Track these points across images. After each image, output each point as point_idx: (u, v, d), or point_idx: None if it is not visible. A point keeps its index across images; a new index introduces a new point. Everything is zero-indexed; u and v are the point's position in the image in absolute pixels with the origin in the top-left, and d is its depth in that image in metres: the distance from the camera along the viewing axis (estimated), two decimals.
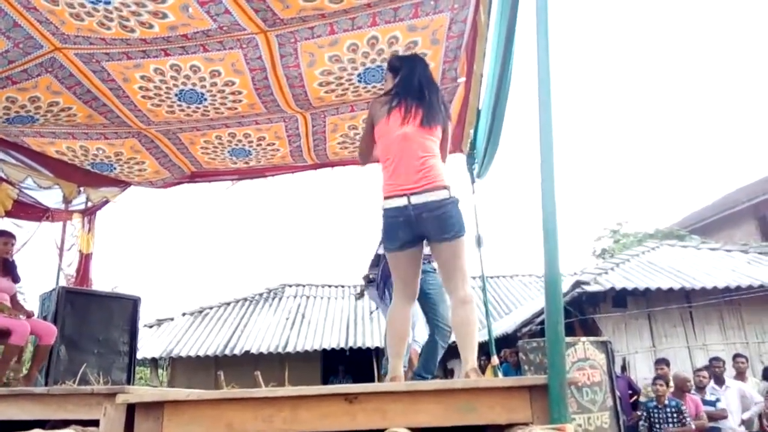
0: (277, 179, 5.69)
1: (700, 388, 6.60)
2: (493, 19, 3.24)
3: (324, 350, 12.85)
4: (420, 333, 4.05)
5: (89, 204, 5.89)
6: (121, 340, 5.41)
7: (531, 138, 2.01)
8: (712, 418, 6.29)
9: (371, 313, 12.74)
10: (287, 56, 3.62)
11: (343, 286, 16.97)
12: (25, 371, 4.58)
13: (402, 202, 2.58)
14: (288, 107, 4.29)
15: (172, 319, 15.00)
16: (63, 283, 5.59)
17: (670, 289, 8.80)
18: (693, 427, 6.01)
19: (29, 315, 4.28)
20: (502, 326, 11.55)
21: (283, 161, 5.37)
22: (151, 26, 3.20)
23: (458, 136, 4.84)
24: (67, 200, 5.58)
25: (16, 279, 4.30)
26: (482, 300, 5.98)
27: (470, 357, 2.47)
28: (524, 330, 10.00)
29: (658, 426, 6.18)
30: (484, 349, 6.18)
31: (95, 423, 2.08)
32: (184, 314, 15.24)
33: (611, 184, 51.20)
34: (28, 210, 5.37)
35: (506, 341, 9.96)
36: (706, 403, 6.40)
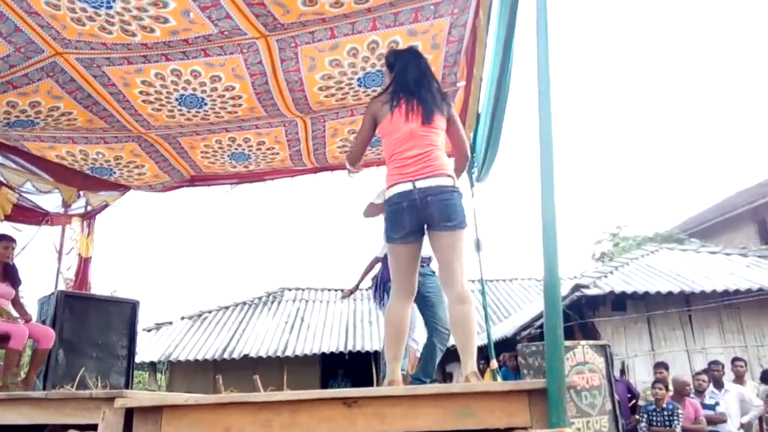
0: (276, 183, 5.70)
1: (700, 392, 6.59)
2: (493, 23, 3.25)
3: (323, 354, 12.83)
4: (420, 335, 4.04)
5: (89, 208, 5.89)
6: (120, 344, 5.40)
7: (530, 141, 2.02)
8: (711, 421, 6.29)
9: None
10: (288, 61, 3.63)
11: (342, 290, 16.94)
12: (23, 375, 4.57)
13: (407, 187, 2.58)
14: (288, 111, 4.30)
15: (170, 323, 14.96)
16: (62, 287, 5.58)
17: (670, 293, 8.80)
18: (678, 430, 6.05)
19: (27, 320, 4.27)
20: (502, 330, 11.54)
21: (282, 165, 5.38)
22: (152, 31, 3.21)
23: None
24: (66, 204, 5.58)
25: (16, 283, 4.29)
26: (481, 303, 5.98)
27: (470, 360, 2.45)
28: (523, 334, 9.99)
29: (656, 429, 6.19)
30: (483, 353, 6.17)
31: (94, 427, 2.07)
32: (182, 318, 15.21)
33: (611, 187, 51.27)
34: (27, 214, 5.37)
35: (505, 345, 9.96)
36: (705, 406, 6.40)
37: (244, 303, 16.12)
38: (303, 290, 17.03)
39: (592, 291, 8.78)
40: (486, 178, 4.87)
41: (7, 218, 5.11)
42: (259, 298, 16.44)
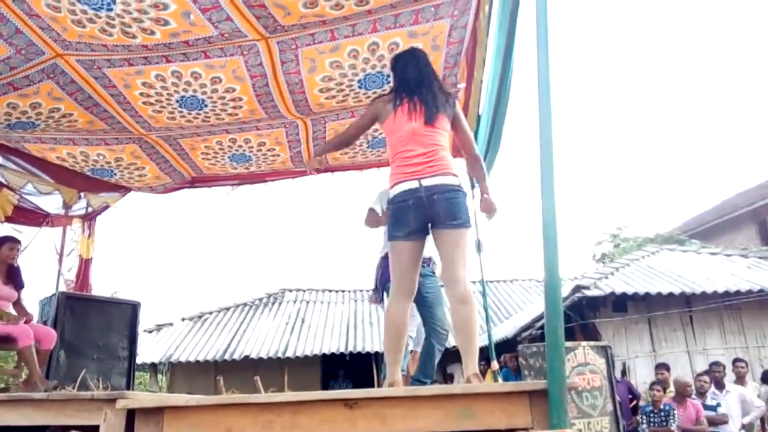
0: (277, 184, 5.71)
1: (701, 393, 6.59)
2: (493, 25, 3.26)
3: (324, 355, 12.83)
4: (421, 337, 4.04)
5: (89, 209, 5.90)
6: (121, 345, 5.41)
7: (531, 142, 2.02)
8: (712, 422, 6.29)
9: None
10: (288, 62, 3.64)
11: (343, 291, 16.95)
12: (24, 376, 4.57)
13: (413, 185, 2.58)
14: (288, 113, 4.31)
15: (171, 324, 14.97)
16: (63, 288, 5.59)
17: (670, 294, 8.80)
18: (674, 428, 6.07)
19: (28, 320, 4.27)
20: (502, 331, 11.54)
21: (283, 166, 5.39)
22: (152, 33, 3.21)
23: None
24: (67, 206, 5.59)
25: (19, 285, 4.29)
26: (482, 304, 5.97)
27: (471, 362, 2.45)
28: (524, 335, 9.99)
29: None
30: (484, 354, 6.16)
31: (95, 428, 2.08)
32: (183, 319, 15.21)
33: (611, 188, 51.26)
34: (28, 215, 5.38)
35: (506, 346, 9.96)
36: (707, 407, 6.40)
37: (245, 304, 16.12)
38: (304, 291, 17.03)
39: (592, 292, 8.78)
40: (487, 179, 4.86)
41: (8, 219, 5.11)
42: (260, 299, 16.44)
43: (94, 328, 5.25)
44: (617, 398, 5.79)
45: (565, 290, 9.17)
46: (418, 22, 3.35)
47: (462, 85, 4.09)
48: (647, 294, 8.79)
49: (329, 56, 3.61)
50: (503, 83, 3.37)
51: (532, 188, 1.94)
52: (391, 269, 2.71)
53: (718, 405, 6.43)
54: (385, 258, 3.84)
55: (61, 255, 5.78)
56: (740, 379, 7.07)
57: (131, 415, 2.00)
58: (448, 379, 12.13)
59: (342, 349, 12.77)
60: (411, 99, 2.71)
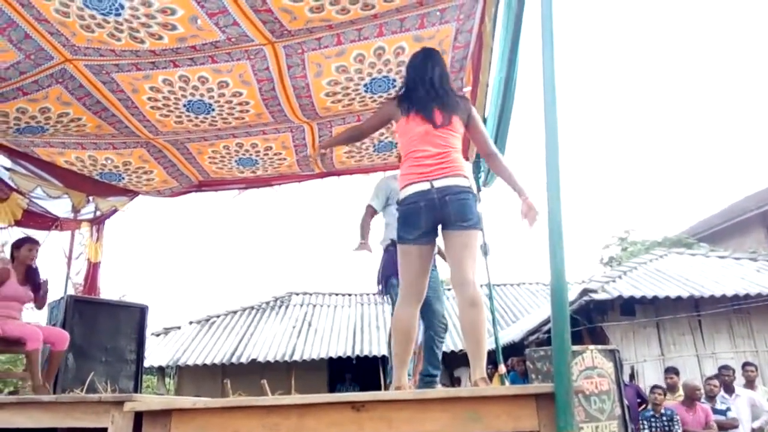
0: (283, 188, 5.73)
1: (711, 397, 6.54)
2: (499, 29, 3.26)
3: (330, 358, 12.83)
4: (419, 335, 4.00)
5: (98, 213, 5.94)
6: (129, 349, 5.44)
7: (537, 145, 2.02)
8: (722, 427, 6.23)
9: None
10: (294, 67, 3.65)
11: (349, 295, 16.96)
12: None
13: (424, 186, 2.56)
14: (295, 117, 4.32)
15: (179, 328, 15.03)
16: (71, 291, 5.62)
17: (679, 298, 8.75)
18: None
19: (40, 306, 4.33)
20: (510, 334, 11.51)
21: (289, 170, 5.40)
22: (160, 38, 3.24)
23: (464, 145, 4.86)
24: (76, 209, 5.63)
25: (37, 287, 4.32)
26: (489, 308, 5.96)
27: (479, 365, 2.43)
28: (531, 338, 9.96)
29: None
30: (491, 358, 6.13)
31: (103, 431, 2.09)
32: (191, 323, 15.27)
33: (619, 191, 51.03)
34: (37, 219, 5.42)
35: (513, 349, 9.92)
36: (716, 412, 6.35)
37: (252, 307, 16.16)
38: (310, 295, 17.05)
39: (600, 296, 8.74)
40: (493, 182, 4.87)
41: (18, 223, 5.15)
42: (267, 303, 16.48)
43: (102, 332, 5.29)
44: (625, 402, 5.74)
45: (572, 294, 9.13)
46: (424, 26, 3.36)
47: (468, 89, 4.09)
48: (655, 297, 8.74)
49: (335, 61, 3.62)
50: (508, 86, 3.37)
51: (539, 191, 1.93)
52: (401, 274, 2.67)
53: (728, 409, 6.38)
54: (386, 251, 3.81)
55: (69, 258, 5.82)
56: (750, 383, 7.01)
57: (139, 417, 2.01)
58: (455, 382, 12.09)
59: (349, 353, 12.77)
60: (424, 101, 2.69)
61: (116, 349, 5.34)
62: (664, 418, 6.11)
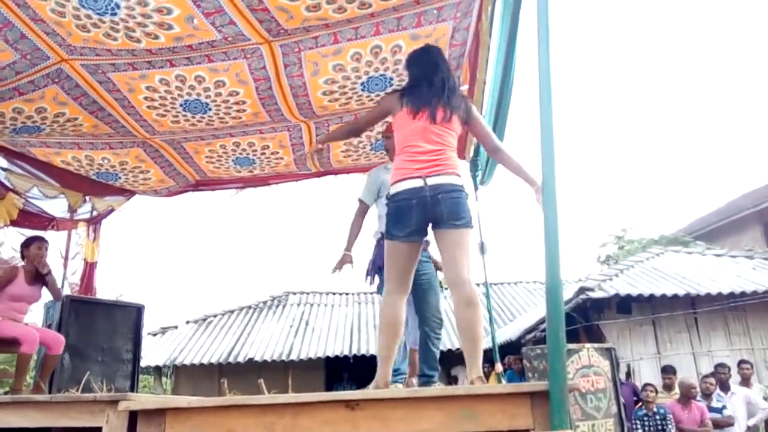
0: (280, 187, 5.72)
1: (707, 395, 6.55)
2: (496, 27, 3.26)
3: (328, 357, 12.84)
4: (417, 334, 3.96)
5: (94, 213, 5.93)
6: (125, 348, 5.43)
7: (534, 143, 2.02)
8: (718, 425, 6.25)
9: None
10: (291, 66, 3.65)
11: (347, 294, 16.98)
12: (29, 380, 4.59)
13: (417, 183, 2.54)
14: (292, 116, 4.32)
15: (176, 327, 15.03)
16: (67, 291, 5.61)
17: (675, 296, 8.77)
18: None
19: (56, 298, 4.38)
20: (507, 333, 11.53)
21: (286, 169, 5.40)
22: (156, 37, 3.23)
23: (462, 143, 4.86)
24: (72, 209, 5.62)
25: (48, 282, 4.32)
26: (486, 307, 5.97)
27: (475, 365, 2.42)
28: (528, 337, 9.99)
29: None
30: (488, 356, 6.16)
31: (98, 430, 2.09)
32: (188, 322, 15.27)
33: (616, 190, 51.12)
34: (33, 219, 5.41)
35: (510, 348, 9.94)
36: (712, 410, 6.36)
37: (249, 307, 16.17)
38: (308, 294, 17.06)
39: (597, 294, 8.76)
40: (490, 180, 4.87)
41: (14, 223, 5.14)
42: (264, 302, 16.48)
43: (98, 332, 5.28)
44: (621, 400, 5.77)
45: (569, 292, 9.15)
46: (421, 24, 3.36)
47: (465, 87, 4.09)
48: (652, 296, 8.77)
49: (332, 59, 3.62)
50: (505, 84, 3.37)
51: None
52: (387, 269, 2.65)
53: (724, 407, 6.40)
54: (378, 243, 3.70)
55: (66, 258, 5.80)
56: (745, 381, 7.03)
57: (133, 417, 2.01)
58: (452, 381, 12.12)
59: (346, 352, 12.78)
60: (424, 96, 2.68)
61: (113, 348, 5.33)
62: (657, 417, 6.11)
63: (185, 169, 5.29)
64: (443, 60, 2.88)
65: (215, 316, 15.58)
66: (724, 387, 6.72)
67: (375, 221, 3.83)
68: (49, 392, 4.47)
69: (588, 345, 5.70)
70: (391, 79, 3.87)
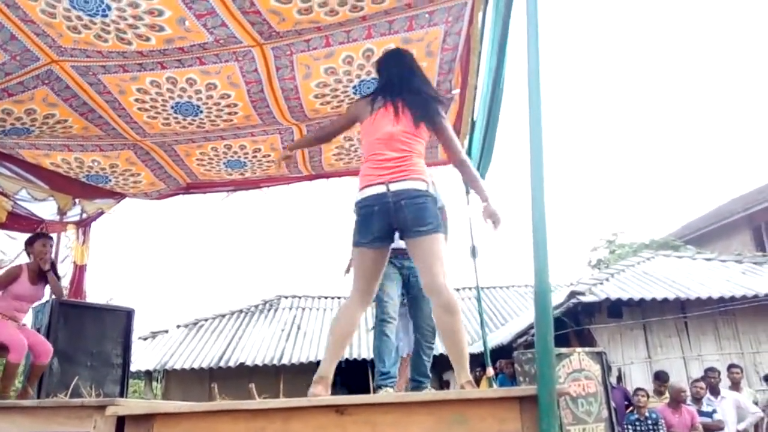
0: (272, 190, 5.71)
1: (697, 399, 6.59)
2: (487, 32, 3.28)
3: (319, 362, 12.74)
4: (412, 340, 3.97)
5: (84, 215, 5.88)
6: (115, 353, 5.38)
7: (524, 147, 2.02)
8: (708, 429, 6.28)
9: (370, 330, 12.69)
10: (283, 68, 3.65)
11: (339, 298, 16.93)
12: (18, 385, 4.53)
13: (380, 189, 2.52)
14: (284, 119, 4.31)
15: (166, 332, 14.93)
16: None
17: (665, 300, 8.82)
18: None
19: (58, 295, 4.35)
20: (498, 337, 11.53)
21: (278, 173, 5.39)
22: (147, 39, 3.22)
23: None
24: (61, 212, 5.57)
25: (54, 276, 4.30)
26: (477, 311, 5.98)
27: (463, 370, 2.41)
28: (520, 341, 9.99)
29: None
30: (479, 360, 6.17)
31: None
32: (178, 326, 15.17)
33: (607, 194, 51.40)
34: (22, 222, 5.36)
35: (502, 352, 9.95)
36: (702, 414, 6.39)
37: (241, 311, 16.09)
38: (299, 298, 17.01)
39: (588, 298, 8.80)
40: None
41: (2, 226, 5.09)
42: (256, 306, 16.41)
43: (87, 336, 5.23)
44: (612, 404, 5.79)
45: (560, 296, 9.18)
46: (413, 28, 3.37)
47: (456, 91, 4.10)
48: (642, 300, 8.81)
49: (324, 62, 3.62)
50: (497, 89, 3.38)
51: (526, 193, 1.94)
52: (354, 274, 2.61)
53: (714, 411, 6.44)
54: None
55: (55, 261, 5.75)
56: (735, 385, 7.08)
57: (121, 422, 1.99)
58: (444, 386, 12.11)
59: None
60: (393, 101, 2.65)
61: (102, 353, 5.28)
62: (649, 422, 6.13)
63: (176, 172, 5.27)
64: (415, 65, 2.86)
65: (206, 320, 15.49)
66: (714, 391, 6.76)
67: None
68: (38, 397, 4.43)
69: (579, 349, 5.72)
70: None
